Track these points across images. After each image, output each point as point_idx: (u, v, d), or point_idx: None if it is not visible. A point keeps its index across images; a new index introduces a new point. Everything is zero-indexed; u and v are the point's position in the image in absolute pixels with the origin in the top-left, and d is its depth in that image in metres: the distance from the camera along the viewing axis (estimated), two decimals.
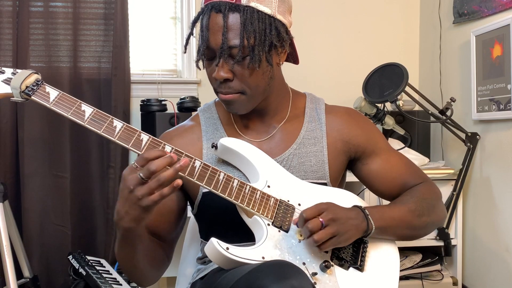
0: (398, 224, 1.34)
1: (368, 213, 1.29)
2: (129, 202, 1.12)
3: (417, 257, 2.71)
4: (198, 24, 1.32)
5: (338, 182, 1.47)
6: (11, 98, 1.22)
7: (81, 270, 2.53)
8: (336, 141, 1.44)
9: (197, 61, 1.35)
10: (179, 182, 1.12)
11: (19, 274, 2.39)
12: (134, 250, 1.25)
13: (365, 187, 1.52)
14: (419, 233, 1.42)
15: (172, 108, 2.70)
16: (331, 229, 1.20)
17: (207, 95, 2.91)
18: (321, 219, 1.19)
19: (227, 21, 1.22)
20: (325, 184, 1.40)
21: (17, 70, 1.24)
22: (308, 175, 1.39)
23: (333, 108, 1.50)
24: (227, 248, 1.17)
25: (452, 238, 2.66)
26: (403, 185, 1.46)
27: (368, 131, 1.48)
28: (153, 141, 1.21)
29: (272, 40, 1.27)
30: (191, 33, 1.34)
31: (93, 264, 2.63)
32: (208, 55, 1.28)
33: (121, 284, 2.55)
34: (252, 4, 1.23)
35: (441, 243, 2.65)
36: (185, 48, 1.38)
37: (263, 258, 1.19)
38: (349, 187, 1.52)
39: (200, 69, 1.36)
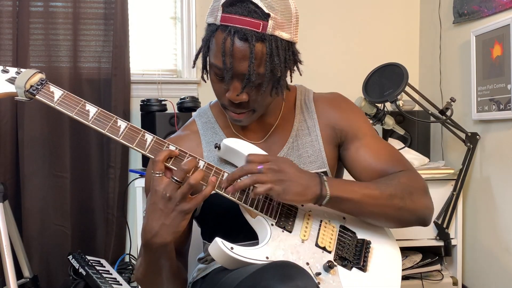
0: (361, 199, 1.28)
1: (326, 179, 1.26)
2: (166, 212, 1.14)
3: (417, 257, 2.71)
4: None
5: (336, 169, 1.46)
6: (15, 97, 1.22)
7: (81, 270, 2.53)
8: (326, 128, 1.44)
9: (202, 75, 1.34)
10: (213, 179, 1.17)
11: (19, 274, 2.39)
12: (161, 271, 1.26)
13: None
14: (391, 215, 1.33)
15: (172, 108, 2.69)
16: (268, 178, 1.19)
17: (207, 95, 2.90)
18: (259, 167, 1.20)
19: (254, 51, 1.19)
20: (325, 172, 1.40)
21: (21, 70, 1.24)
22: (307, 166, 1.39)
23: (320, 95, 1.50)
24: (232, 248, 1.17)
25: (452, 238, 2.66)
26: (382, 173, 1.39)
27: (351, 115, 1.46)
28: (157, 141, 1.21)
29: (290, 66, 1.28)
30: (202, 49, 1.30)
31: (93, 264, 2.63)
32: (229, 78, 1.24)
33: (121, 284, 2.55)
34: (276, 33, 1.21)
35: (441, 243, 2.65)
36: (194, 63, 1.36)
37: (267, 258, 1.19)
38: None
39: (205, 82, 1.35)
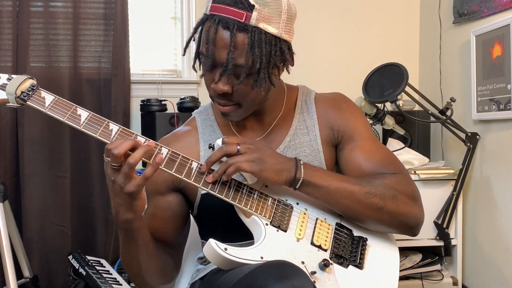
0: (336, 190, 1.27)
1: (302, 163, 1.27)
2: (115, 193, 1.17)
3: (417, 257, 2.71)
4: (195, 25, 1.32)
5: (335, 170, 1.46)
6: (7, 104, 1.23)
7: (81, 270, 2.53)
8: (325, 128, 1.43)
9: (194, 65, 1.36)
10: (157, 159, 1.17)
11: (19, 274, 2.39)
12: (136, 246, 1.27)
13: None
14: (368, 214, 1.30)
15: (172, 108, 2.70)
16: (248, 156, 1.21)
17: (207, 95, 2.88)
18: (238, 147, 1.21)
19: (234, 40, 1.20)
20: None
21: (13, 76, 1.24)
22: None
23: (321, 96, 1.50)
24: (225, 249, 1.17)
25: (452, 238, 2.65)
26: (373, 174, 1.38)
27: (349, 116, 1.46)
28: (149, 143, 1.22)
29: (276, 62, 1.27)
30: (192, 38, 1.32)
31: (93, 264, 2.63)
32: (209, 65, 1.26)
33: (121, 284, 2.55)
34: (261, 25, 1.21)
35: (441, 243, 2.65)
36: (185, 51, 1.36)
37: (261, 258, 1.19)
38: None
39: (196, 72, 1.37)
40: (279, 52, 1.27)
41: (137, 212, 1.20)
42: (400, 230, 1.35)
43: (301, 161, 1.27)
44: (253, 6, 1.20)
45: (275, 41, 1.25)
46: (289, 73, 1.34)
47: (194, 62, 1.35)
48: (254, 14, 1.20)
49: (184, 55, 1.41)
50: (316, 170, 1.29)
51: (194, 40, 1.31)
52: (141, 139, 1.21)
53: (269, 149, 1.27)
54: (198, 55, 1.32)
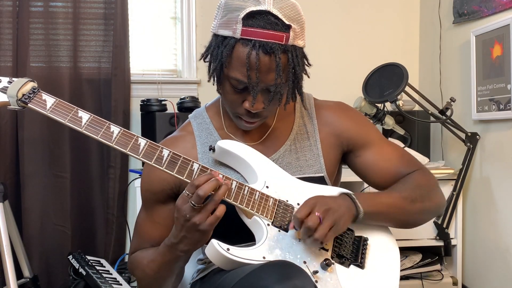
0: (388, 210, 1.34)
1: (355, 197, 1.30)
2: (186, 229, 1.19)
3: (417, 257, 2.71)
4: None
5: (334, 176, 1.48)
6: (8, 107, 1.24)
7: (81, 270, 2.53)
8: (329, 135, 1.45)
9: (218, 89, 1.34)
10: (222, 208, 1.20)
11: (19, 274, 2.38)
12: (174, 271, 1.34)
13: (366, 186, 1.52)
14: (415, 219, 1.41)
15: (172, 108, 2.70)
16: (329, 221, 1.20)
17: (207, 95, 2.90)
18: (317, 214, 1.20)
19: (280, 63, 1.21)
20: (322, 177, 1.41)
21: (13, 79, 1.25)
22: (304, 170, 1.41)
23: (323, 103, 1.52)
24: (228, 249, 1.17)
25: (452, 238, 2.66)
26: (396, 175, 1.45)
27: (359, 123, 1.49)
28: (151, 145, 1.23)
29: (304, 72, 1.31)
30: (223, 65, 1.26)
31: (93, 264, 2.63)
32: (239, 87, 1.27)
33: (121, 284, 2.55)
34: (295, 43, 1.24)
35: (441, 243, 2.65)
36: (210, 78, 1.34)
37: (263, 258, 1.19)
38: (350, 187, 1.52)
39: (220, 94, 1.35)
40: (305, 60, 1.31)
41: (201, 244, 1.23)
42: (434, 218, 1.45)
43: (353, 196, 1.31)
44: (289, 26, 1.21)
45: (303, 53, 1.29)
46: (308, 77, 1.35)
47: (218, 86, 1.33)
48: (292, 34, 1.22)
49: (209, 81, 1.35)
50: (366, 199, 1.33)
51: (215, 65, 1.28)
52: (143, 141, 1.22)
53: (332, 199, 1.27)
54: (219, 74, 1.29)
